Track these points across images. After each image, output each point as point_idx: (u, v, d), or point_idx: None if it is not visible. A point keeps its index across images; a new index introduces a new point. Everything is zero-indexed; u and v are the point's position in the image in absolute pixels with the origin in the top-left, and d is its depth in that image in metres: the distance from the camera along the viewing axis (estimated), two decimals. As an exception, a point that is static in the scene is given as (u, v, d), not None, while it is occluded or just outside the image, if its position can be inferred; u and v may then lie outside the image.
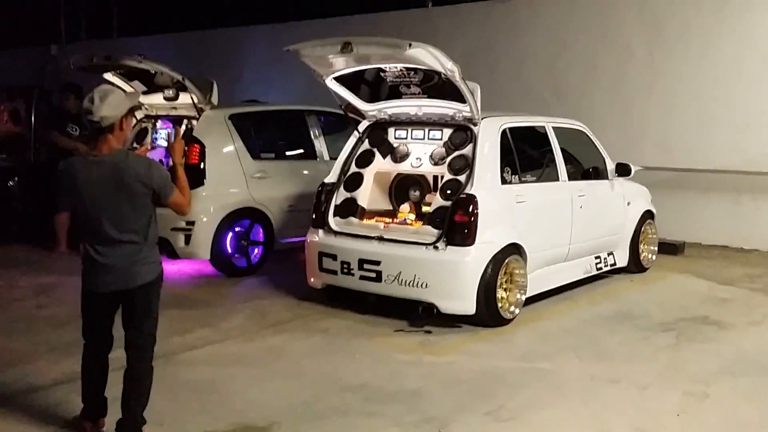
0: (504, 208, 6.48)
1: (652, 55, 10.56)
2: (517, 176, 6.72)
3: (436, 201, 6.47)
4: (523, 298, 6.56)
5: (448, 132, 6.70)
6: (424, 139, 6.86)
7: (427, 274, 6.17)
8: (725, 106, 10.05)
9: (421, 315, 6.24)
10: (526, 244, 6.55)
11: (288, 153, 9.00)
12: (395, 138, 7.04)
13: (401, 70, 6.50)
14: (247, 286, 7.92)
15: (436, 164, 6.80)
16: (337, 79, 6.82)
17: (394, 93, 6.84)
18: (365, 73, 6.78)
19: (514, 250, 6.42)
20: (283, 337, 6.14)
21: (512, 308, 6.44)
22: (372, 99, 7.04)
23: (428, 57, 5.89)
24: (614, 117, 10.78)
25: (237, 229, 8.20)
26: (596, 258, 7.81)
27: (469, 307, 6.14)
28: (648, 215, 8.56)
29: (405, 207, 6.98)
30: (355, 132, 7.17)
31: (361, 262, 6.47)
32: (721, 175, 10.14)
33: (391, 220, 6.91)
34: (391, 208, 7.27)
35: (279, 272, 8.30)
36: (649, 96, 10.65)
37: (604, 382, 5.17)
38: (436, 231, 6.29)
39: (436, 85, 6.55)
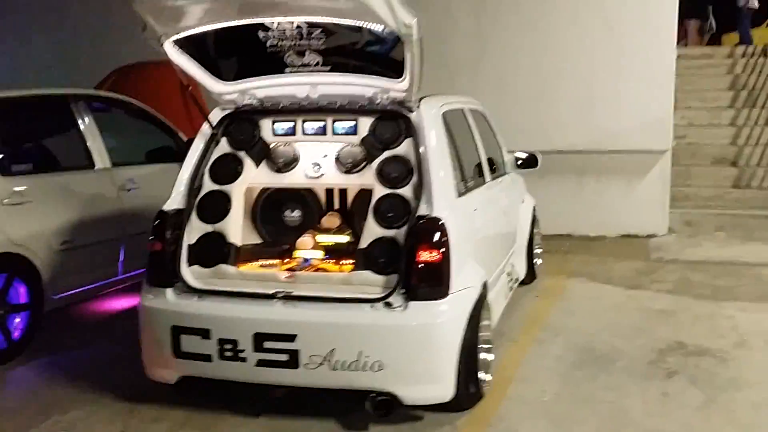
0: (467, 231, 4.39)
1: (478, 22, 9.05)
2: (463, 182, 4.66)
3: (370, 230, 4.17)
4: (491, 357, 4.56)
5: (365, 122, 4.40)
6: (325, 134, 4.47)
7: (380, 349, 3.88)
8: (566, 79, 8.91)
9: (375, 412, 3.95)
10: (488, 278, 4.57)
11: (51, 162, 5.94)
12: (274, 135, 4.56)
13: (298, 26, 4.06)
14: (20, 383, 4.92)
15: (348, 172, 4.50)
16: (181, 42, 4.17)
17: (273, 65, 4.36)
18: (228, 34, 4.21)
19: (483, 291, 4.38)
20: (157, 497, 3.47)
21: (482, 375, 4.41)
22: (233, 74, 4.48)
23: (380, 4, 3.58)
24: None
25: (-15, 291, 5.11)
26: (507, 275, 6.05)
27: (446, 390, 3.97)
28: (534, 211, 7.03)
29: (305, 240, 4.54)
30: (204, 127, 4.55)
31: (260, 338, 3.97)
32: (562, 156, 9.01)
33: (280, 262, 4.49)
34: (260, 241, 4.81)
35: (62, 348, 5.38)
36: (475, 70, 9.15)
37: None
38: (380, 278, 4.03)
39: (350, 51, 4.25)
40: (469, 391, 4.12)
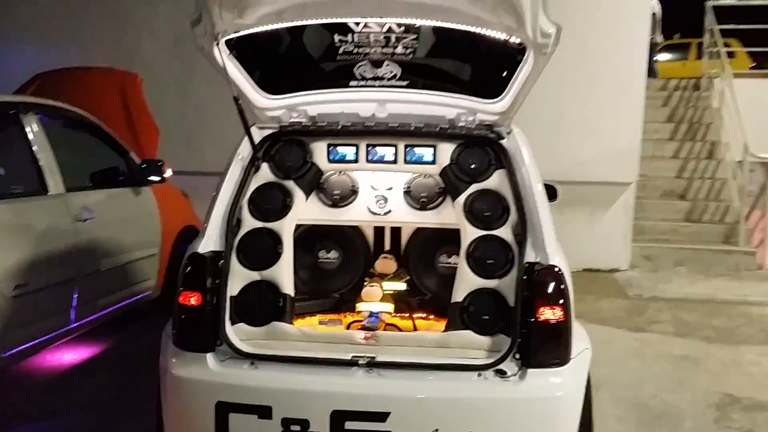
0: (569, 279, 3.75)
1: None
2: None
3: (465, 280, 3.42)
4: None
5: (446, 149, 3.67)
6: (395, 162, 3.70)
7: (494, 429, 3.17)
8: (531, 105, 8.47)
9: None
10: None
11: (-1, 186, 4.80)
12: (330, 161, 3.73)
13: (389, 29, 3.31)
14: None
15: (422, 209, 3.77)
16: (237, 43, 3.31)
17: (337, 76, 3.58)
18: (294, 36, 3.40)
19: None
20: None
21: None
22: (283, 86, 3.64)
23: (528, 4, 2.91)
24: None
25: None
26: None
27: (563, 475, 3.32)
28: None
29: (372, 290, 3.74)
30: (240, 150, 3.67)
31: (340, 417, 3.15)
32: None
33: (340, 317, 3.69)
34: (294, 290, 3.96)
35: (23, 418, 4.29)
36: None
37: None
38: (484, 340, 3.31)
39: (442, 64, 3.54)
40: (583, 472, 3.48)
